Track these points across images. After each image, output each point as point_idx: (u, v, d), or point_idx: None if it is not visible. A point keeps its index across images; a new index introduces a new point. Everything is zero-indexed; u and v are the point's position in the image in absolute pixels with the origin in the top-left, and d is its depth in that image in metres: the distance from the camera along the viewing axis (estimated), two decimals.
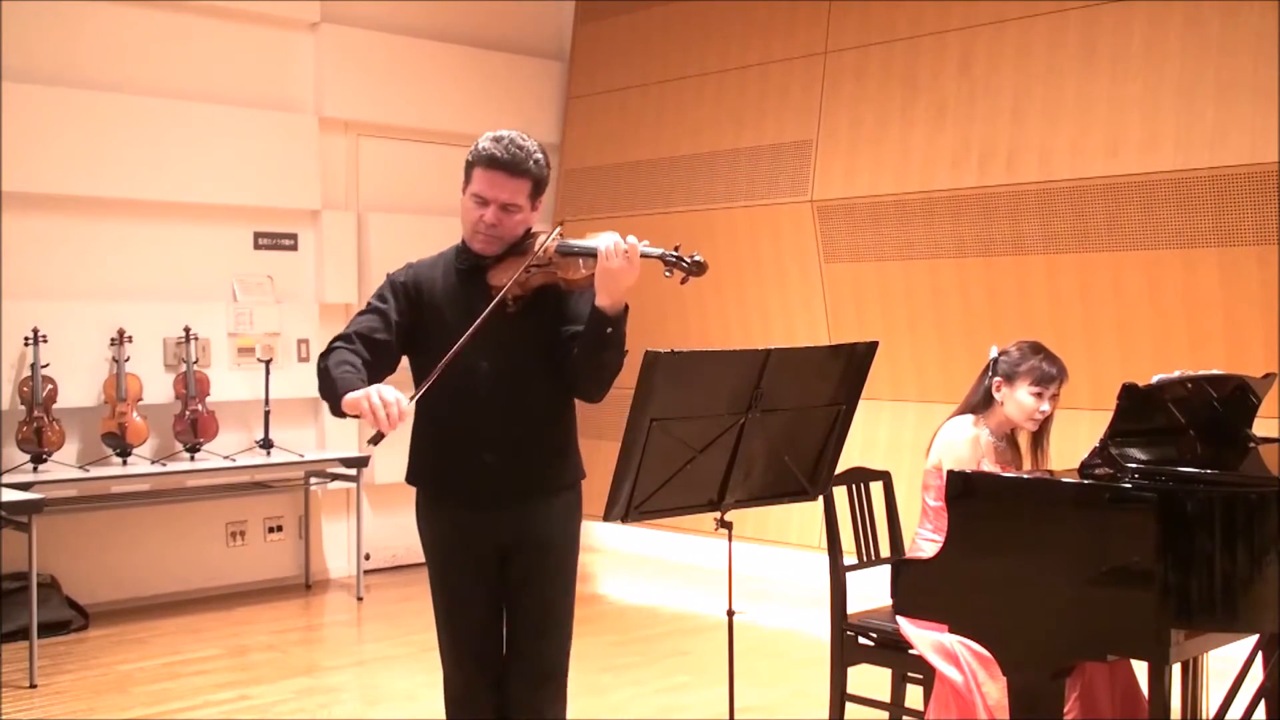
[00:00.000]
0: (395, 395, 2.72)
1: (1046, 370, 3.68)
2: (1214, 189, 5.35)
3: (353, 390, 2.78)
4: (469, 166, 3.02)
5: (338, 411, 2.85)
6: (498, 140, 2.97)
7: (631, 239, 2.85)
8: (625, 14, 7.91)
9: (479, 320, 2.82)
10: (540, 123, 8.17)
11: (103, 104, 6.36)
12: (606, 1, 8.02)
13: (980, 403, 3.77)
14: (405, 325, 3.03)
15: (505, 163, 2.94)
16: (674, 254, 2.90)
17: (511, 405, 2.95)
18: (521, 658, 3.07)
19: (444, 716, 3.16)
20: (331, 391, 2.85)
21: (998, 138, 6.05)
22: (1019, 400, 3.69)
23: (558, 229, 2.96)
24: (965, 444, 3.68)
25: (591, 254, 2.88)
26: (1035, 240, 5.94)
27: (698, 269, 2.89)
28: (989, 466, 3.68)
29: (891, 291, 6.51)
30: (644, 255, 2.87)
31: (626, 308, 2.88)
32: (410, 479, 3.16)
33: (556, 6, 8.35)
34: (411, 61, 7.53)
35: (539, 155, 3.01)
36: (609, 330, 2.84)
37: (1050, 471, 3.69)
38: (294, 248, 7.12)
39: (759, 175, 7.03)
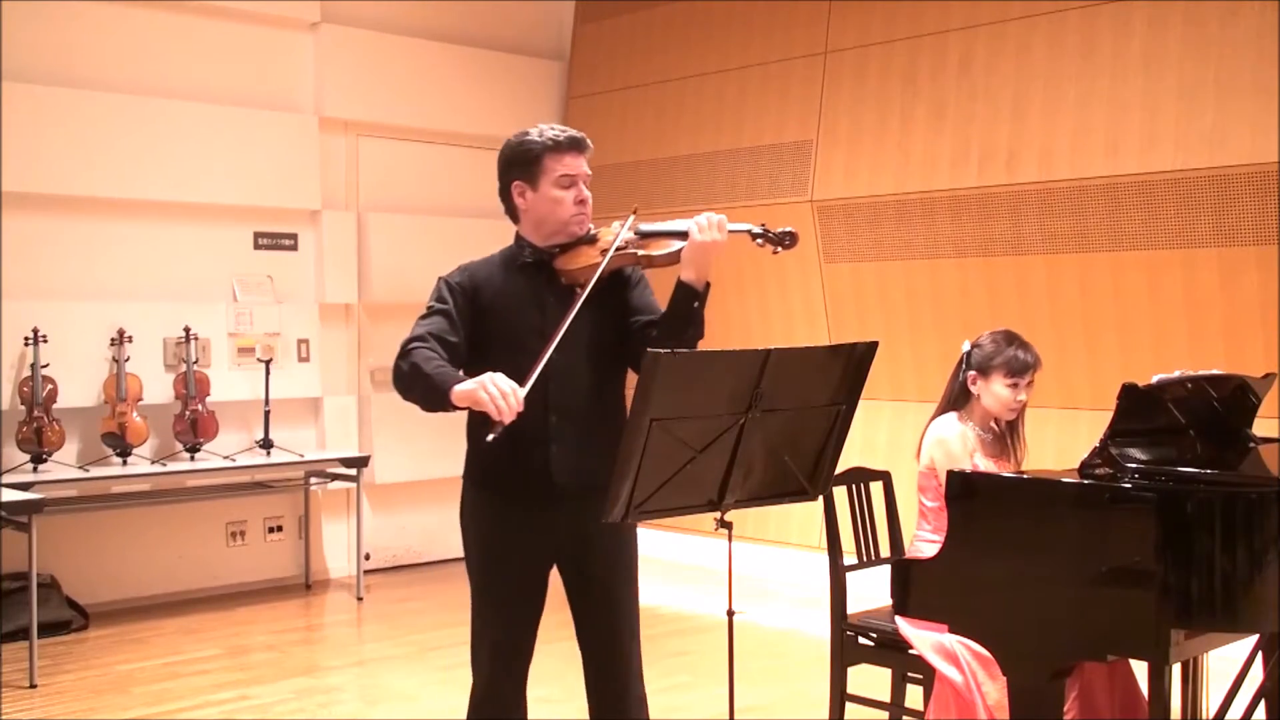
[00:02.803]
0: (510, 384, 2.72)
1: (1020, 360, 3.68)
2: (1214, 189, 5.34)
3: (459, 382, 2.77)
4: (535, 159, 3.03)
5: (438, 406, 2.82)
6: (551, 127, 3.08)
7: (720, 216, 2.96)
8: (625, 14, 7.91)
9: (580, 299, 2.86)
10: (540, 123, 8.16)
11: (103, 104, 6.36)
12: (606, 1, 8.02)
13: (959, 398, 3.77)
14: (468, 326, 3.01)
15: (579, 140, 3.06)
16: (762, 227, 3.03)
17: (572, 399, 2.95)
18: (601, 664, 3.09)
19: (444, 717, 3.15)
20: (430, 387, 2.82)
21: (998, 138, 6.05)
22: (995, 392, 3.69)
23: (633, 215, 3.05)
24: (955, 441, 3.69)
25: (676, 233, 2.98)
26: (1035, 240, 5.94)
27: (790, 239, 3.02)
28: (981, 461, 3.69)
29: (891, 291, 6.51)
30: (732, 230, 2.97)
31: (709, 284, 2.96)
32: (466, 472, 3.14)
33: (556, 6, 8.35)
34: (411, 61, 7.53)
35: None
36: (695, 305, 2.93)
37: (1022, 470, 3.69)
38: (294, 248, 7.12)
39: (759, 175, 7.03)
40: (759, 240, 3.02)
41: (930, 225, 6.30)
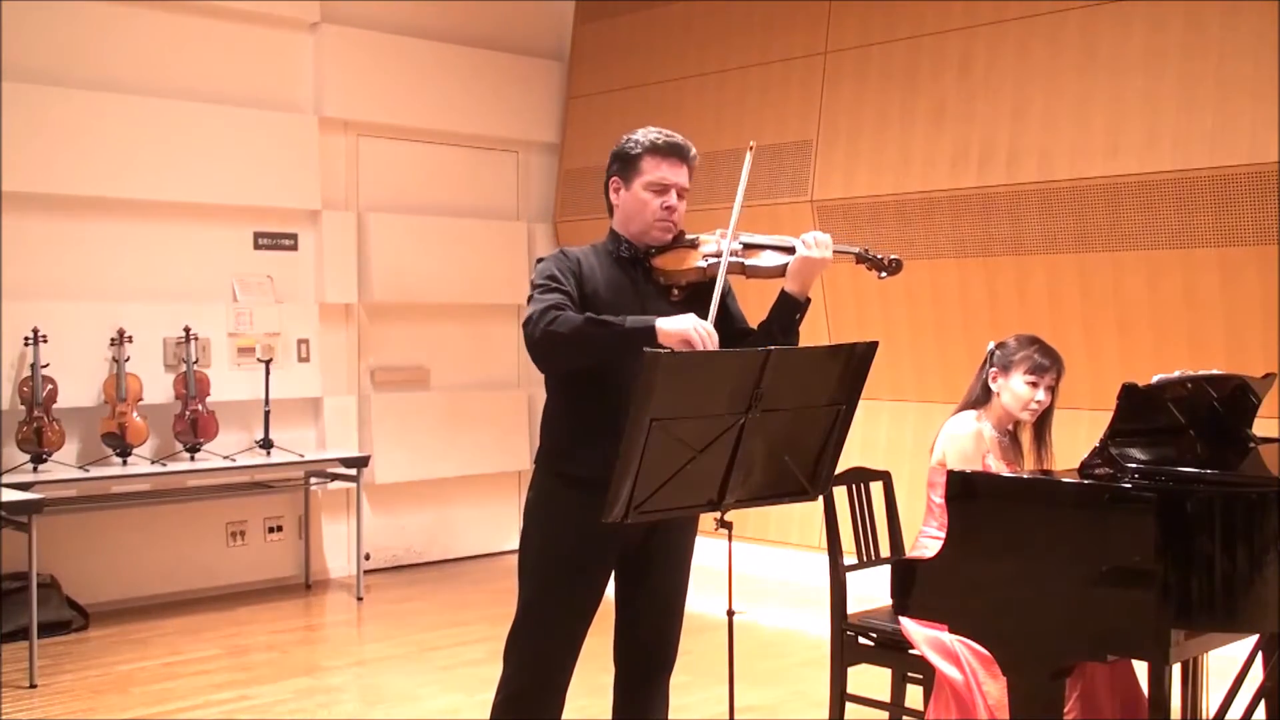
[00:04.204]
0: (708, 325, 2.83)
1: (1040, 360, 3.69)
2: (1214, 189, 5.34)
3: (646, 326, 2.81)
4: (632, 159, 3.07)
5: (634, 346, 2.74)
6: (661, 132, 3.10)
7: (826, 235, 3.06)
8: (625, 14, 7.91)
9: (714, 300, 2.91)
10: (540, 123, 8.18)
11: (103, 104, 6.36)
12: (606, 1, 8.02)
13: (980, 397, 3.78)
14: (575, 299, 3.01)
15: (682, 149, 3.09)
16: (865, 250, 3.18)
17: None
18: (643, 664, 3.13)
19: (444, 717, 3.15)
20: (623, 332, 2.82)
21: (998, 138, 6.05)
22: (1014, 389, 3.70)
23: (725, 231, 3.05)
24: (969, 439, 3.68)
25: (782, 248, 3.08)
26: (1035, 240, 5.94)
27: (895, 265, 3.17)
28: (993, 462, 3.69)
29: (891, 291, 6.51)
30: (837, 251, 3.10)
31: (809, 298, 3.06)
32: (547, 463, 3.10)
33: (556, 6, 8.34)
34: (411, 61, 7.52)
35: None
36: (796, 316, 3.04)
37: (1049, 471, 3.69)
38: (294, 248, 7.12)
39: (759, 175, 7.03)
40: (867, 266, 3.17)
41: (930, 225, 6.30)
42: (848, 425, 2.99)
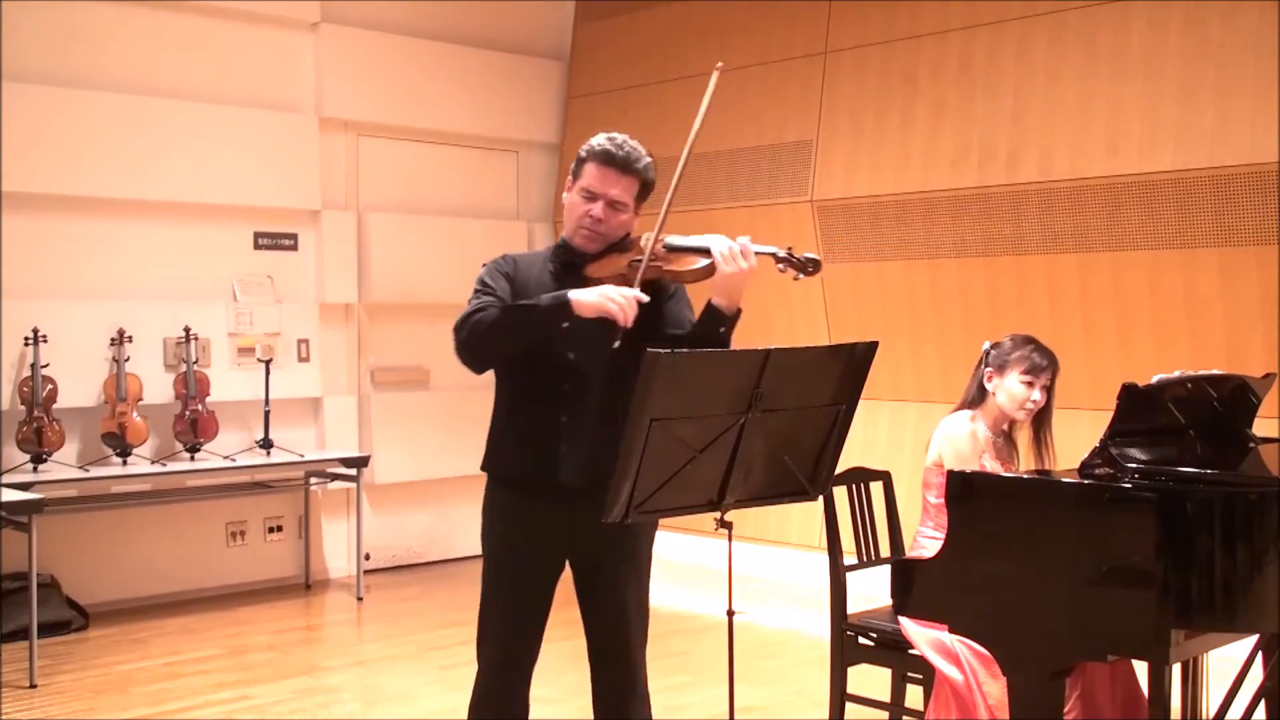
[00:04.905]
0: (626, 289, 2.82)
1: (1036, 360, 3.70)
2: (1214, 189, 5.34)
3: (560, 300, 2.83)
4: (579, 163, 3.07)
5: (542, 328, 2.85)
6: (612, 139, 3.05)
7: (743, 240, 2.96)
8: (625, 14, 7.91)
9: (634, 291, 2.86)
10: (540, 123, 8.18)
11: (103, 104, 6.36)
12: (606, 1, 8.02)
13: (976, 397, 3.78)
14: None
15: (620, 160, 3.03)
16: (786, 251, 3.01)
17: (596, 401, 2.94)
18: (606, 661, 3.09)
19: (444, 717, 3.16)
20: (539, 311, 2.86)
21: (998, 138, 6.05)
22: (1009, 389, 3.70)
23: (654, 232, 3.02)
24: (964, 439, 3.69)
25: (703, 250, 2.97)
26: (1035, 240, 5.94)
27: (813, 266, 3.02)
28: (989, 462, 3.69)
29: (891, 291, 6.51)
30: (757, 253, 2.99)
31: (739, 310, 2.98)
32: (486, 467, 3.16)
33: (556, 6, 8.34)
34: (411, 61, 7.52)
35: (649, 160, 3.09)
36: (722, 329, 2.96)
37: (1047, 471, 3.69)
38: (294, 248, 7.12)
39: (759, 175, 7.03)
40: (781, 265, 3.03)
41: (930, 225, 6.30)
42: (848, 425, 2.99)
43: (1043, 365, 3.70)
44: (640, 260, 2.97)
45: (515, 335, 2.93)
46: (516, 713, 3.11)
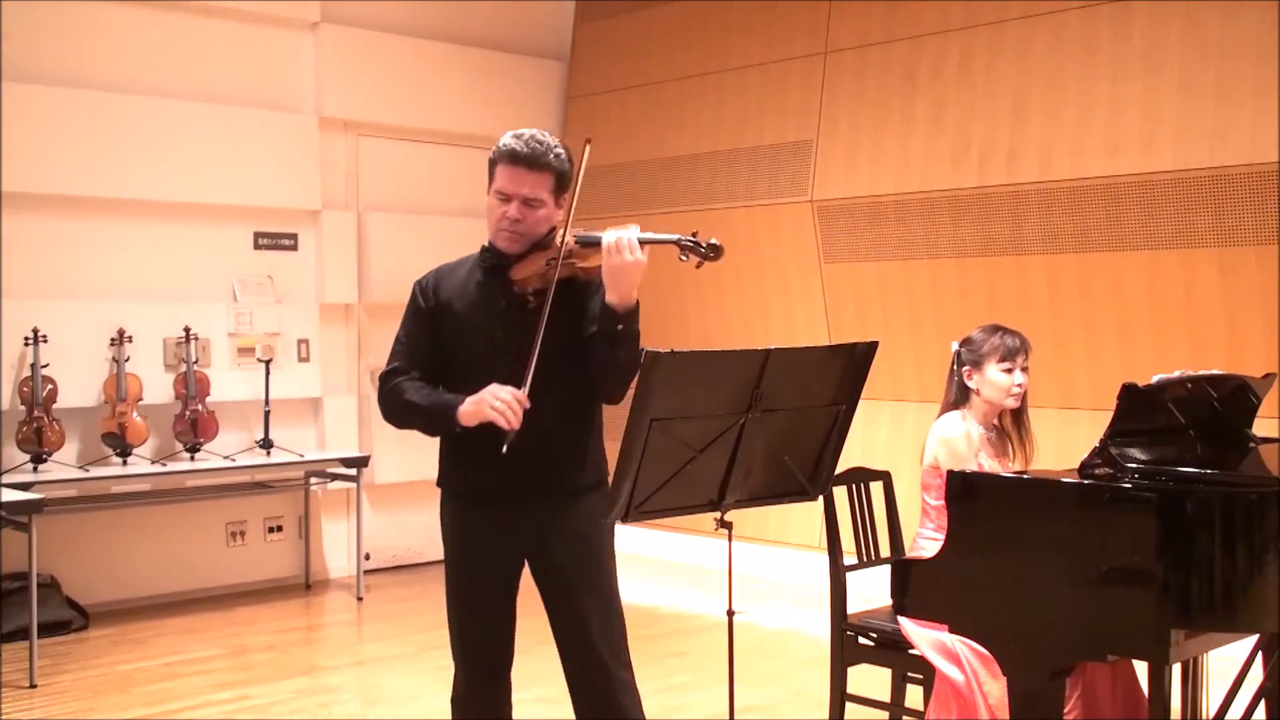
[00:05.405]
0: (510, 390, 2.82)
1: (1009, 344, 3.71)
2: (1214, 189, 5.34)
3: (459, 405, 2.89)
4: (491, 165, 3.05)
5: (443, 431, 2.99)
6: (518, 136, 3.01)
7: (632, 229, 2.86)
8: (625, 14, 7.91)
9: (545, 308, 2.88)
10: (540, 123, 8.11)
11: (103, 104, 6.36)
12: (606, 1, 8.02)
13: (959, 397, 3.78)
14: (430, 329, 3.09)
15: (525, 157, 2.98)
16: (690, 239, 2.90)
17: (531, 405, 2.91)
18: (570, 656, 3.07)
19: (444, 716, 3.16)
20: (431, 418, 2.98)
21: (998, 138, 6.05)
22: (993, 381, 3.71)
23: (565, 228, 2.95)
24: (960, 440, 3.69)
25: (599, 244, 2.89)
26: (1035, 240, 5.94)
27: (714, 252, 2.89)
28: (986, 460, 3.69)
29: (891, 291, 6.51)
30: (653, 242, 2.88)
31: (637, 304, 2.88)
32: (438, 481, 3.17)
33: (556, 6, 8.34)
34: (411, 61, 7.52)
35: (559, 150, 3.03)
36: (619, 327, 2.86)
37: (1024, 473, 3.69)
38: (294, 248, 7.12)
39: (759, 175, 7.03)
40: (684, 254, 2.90)
41: (930, 225, 6.30)
42: (848, 425, 2.99)
43: (1016, 347, 3.72)
44: (556, 259, 2.94)
45: (412, 426, 3.07)
46: (492, 712, 3.10)
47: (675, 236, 2.91)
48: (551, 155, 2.99)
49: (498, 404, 2.80)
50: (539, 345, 2.85)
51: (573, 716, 3.09)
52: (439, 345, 3.07)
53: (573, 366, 2.96)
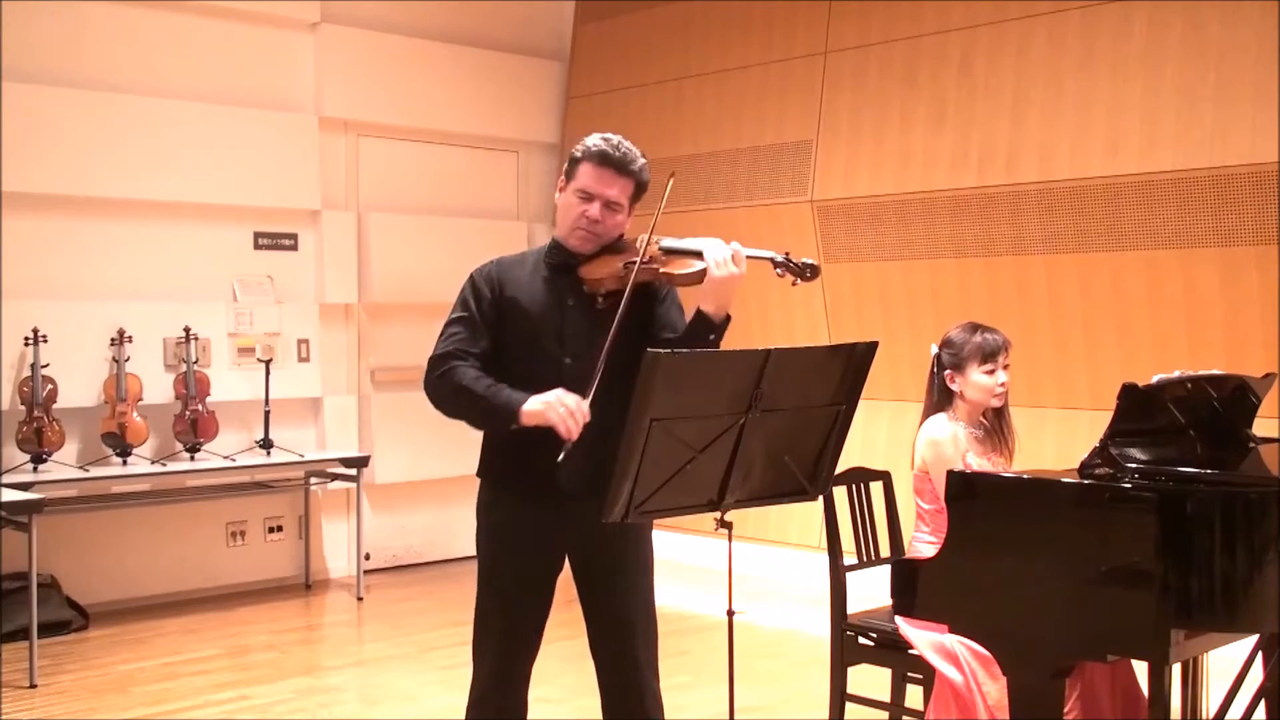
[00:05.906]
0: (575, 399, 2.81)
1: (990, 343, 3.71)
2: (1214, 189, 5.34)
3: (523, 402, 2.85)
4: (574, 163, 3.06)
5: (498, 426, 2.91)
6: (607, 140, 3.04)
7: (735, 245, 2.95)
8: (625, 14, 7.91)
9: (620, 310, 2.88)
10: (540, 123, 8.18)
11: (103, 104, 6.36)
12: (606, 1, 8.02)
13: (942, 399, 3.78)
14: (491, 324, 3.05)
15: (616, 160, 3.01)
16: (784, 256, 3.00)
17: (594, 405, 2.91)
18: (608, 663, 3.08)
19: (444, 716, 3.15)
20: (491, 409, 2.91)
21: (998, 138, 6.05)
22: (975, 382, 3.71)
23: (649, 234, 3.00)
24: (947, 443, 3.69)
25: (697, 254, 2.96)
26: (1035, 240, 5.94)
27: (810, 271, 3.01)
28: (974, 459, 3.69)
29: (891, 291, 6.51)
30: (751, 257, 2.97)
31: (729, 316, 2.96)
32: (481, 472, 3.16)
33: (556, 6, 8.34)
34: (411, 61, 7.52)
35: (644, 161, 3.08)
36: (712, 336, 2.94)
37: (1022, 470, 3.69)
38: (294, 248, 7.12)
39: (759, 175, 7.03)
40: (779, 270, 3.02)
41: (930, 225, 6.30)
42: (848, 425, 2.99)
43: (997, 347, 3.72)
44: (635, 262, 2.96)
45: (465, 417, 3.01)
46: (514, 714, 3.10)
47: (771, 253, 3.02)
48: (638, 164, 3.06)
49: (562, 410, 2.80)
50: (605, 352, 2.86)
51: (573, 717, 3.09)
52: (495, 337, 3.05)
53: (626, 369, 2.97)
